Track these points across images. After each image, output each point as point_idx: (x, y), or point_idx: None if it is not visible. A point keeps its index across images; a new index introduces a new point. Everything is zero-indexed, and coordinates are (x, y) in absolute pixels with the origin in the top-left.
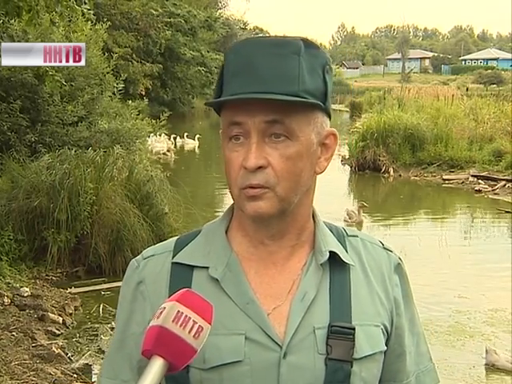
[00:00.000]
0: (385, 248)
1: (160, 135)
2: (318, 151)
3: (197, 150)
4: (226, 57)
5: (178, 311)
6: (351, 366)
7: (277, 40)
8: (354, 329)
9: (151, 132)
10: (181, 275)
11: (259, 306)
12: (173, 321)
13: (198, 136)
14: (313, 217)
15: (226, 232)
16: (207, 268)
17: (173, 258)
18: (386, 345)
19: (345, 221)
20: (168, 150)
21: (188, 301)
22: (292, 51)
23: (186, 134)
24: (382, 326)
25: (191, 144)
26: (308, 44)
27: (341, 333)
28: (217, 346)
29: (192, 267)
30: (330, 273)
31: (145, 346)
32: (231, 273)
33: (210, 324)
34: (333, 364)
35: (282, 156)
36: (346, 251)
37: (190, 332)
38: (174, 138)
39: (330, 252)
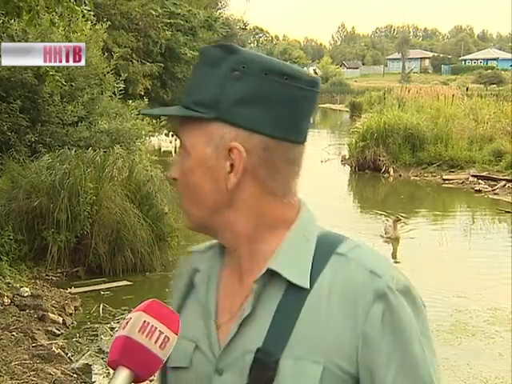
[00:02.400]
0: (372, 272)
1: (169, 135)
2: (226, 166)
3: None
4: None
5: (145, 321)
6: None
7: None
8: (277, 361)
9: (154, 132)
10: (191, 275)
11: (212, 317)
12: (139, 331)
13: None
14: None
15: None
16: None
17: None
18: None
19: (381, 236)
20: None
21: (154, 311)
22: (199, 61)
23: None
24: (327, 364)
25: None
26: (216, 49)
27: (262, 362)
28: (175, 347)
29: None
30: (283, 292)
31: (110, 356)
32: (208, 279)
33: (176, 334)
34: None
35: (179, 170)
36: (320, 271)
37: (156, 342)
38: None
39: (270, 270)
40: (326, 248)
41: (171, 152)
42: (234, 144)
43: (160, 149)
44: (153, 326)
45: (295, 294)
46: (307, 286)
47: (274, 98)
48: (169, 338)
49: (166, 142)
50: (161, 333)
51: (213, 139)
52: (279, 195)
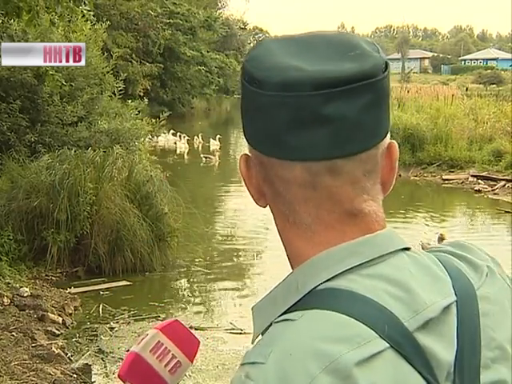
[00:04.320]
0: (244, 355)
1: (176, 135)
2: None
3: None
4: None
5: (159, 341)
6: None
7: None
8: None
9: (154, 131)
10: None
11: None
12: (150, 351)
13: (218, 136)
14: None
15: None
16: None
17: None
18: None
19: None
20: (213, 154)
21: (172, 332)
22: None
23: (200, 135)
24: None
25: (216, 145)
26: None
27: None
28: None
29: None
30: None
31: (119, 370)
32: None
33: (191, 361)
34: None
35: None
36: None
37: (166, 366)
38: (191, 138)
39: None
40: (292, 309)
41: (206, 156)
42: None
43: (175, 150)
44: (166, 348)
45: None
46: (252, 342)
47: (249, 108)
48: (181, 364)
49: (173, 141)
50: (173, 357)
51: None
52: (291, 222)
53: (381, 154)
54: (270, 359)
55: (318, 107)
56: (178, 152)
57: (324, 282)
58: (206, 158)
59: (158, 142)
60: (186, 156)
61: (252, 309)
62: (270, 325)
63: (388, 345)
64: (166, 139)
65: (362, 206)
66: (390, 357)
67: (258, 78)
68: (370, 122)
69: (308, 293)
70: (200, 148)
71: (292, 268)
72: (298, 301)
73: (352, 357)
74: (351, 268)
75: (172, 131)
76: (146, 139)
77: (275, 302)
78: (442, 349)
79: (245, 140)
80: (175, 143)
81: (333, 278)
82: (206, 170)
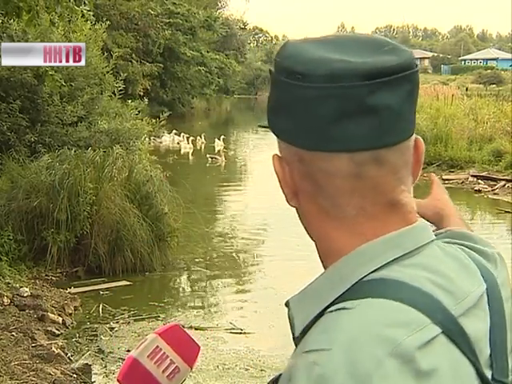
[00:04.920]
0: (306, 341)
1: (179, 134)
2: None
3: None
4: None
5: (157, 347)
6: None
7: None
8: None
9: (153, 131)
10: None
11: None
12: (148, 356)
13: (223, 137)
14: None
15: None
16: None
17: None
18: None
19: None
20: (219, 154)
21: (172, 337)
22: None
23: (203, 135)
24: None
25: (220, 145)
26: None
27: None
28: None
29: None
30: None
31: (118, 374)
32: None
33: (190, 367)
34: None
35: None
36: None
37: (164, 371)
38: (194, 139)
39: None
40: (341, 299)
41: (211, 156)
42: (281, 155)
43: (179, 150)
44: (164, 353)
45: (298, 339)
46: (296, 335)
47: (291, 103)
48: (179, 370)
49: (177, 142)
50: (172, 362)
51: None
52: (332, 216)
53: (412, 147)
54: (335, 345)
55: (364, 97)
56: (182, 152)
57: (369, 273)
58: (212, 158)
59: (161, 143)
60: (190, 156)
61: (288, 303)
62: (320, 315)
63: (440, 330)
64: (170, 139)
65: (400, 197)
66: (444, 342)
67: (301, 71)
68: (409, 112)
69: (354, 284)
70: (202, 148)
71: (324, 264)
72: (344, 292)
73: (413, 341)
74: (393, 259)
75: (175, 131)
76: (150, 139)
77: (320, 294)
78: (482, 335)
79: (276, 140)
80: (178, 143)
81: (377, 269)
82: (212, 170)
